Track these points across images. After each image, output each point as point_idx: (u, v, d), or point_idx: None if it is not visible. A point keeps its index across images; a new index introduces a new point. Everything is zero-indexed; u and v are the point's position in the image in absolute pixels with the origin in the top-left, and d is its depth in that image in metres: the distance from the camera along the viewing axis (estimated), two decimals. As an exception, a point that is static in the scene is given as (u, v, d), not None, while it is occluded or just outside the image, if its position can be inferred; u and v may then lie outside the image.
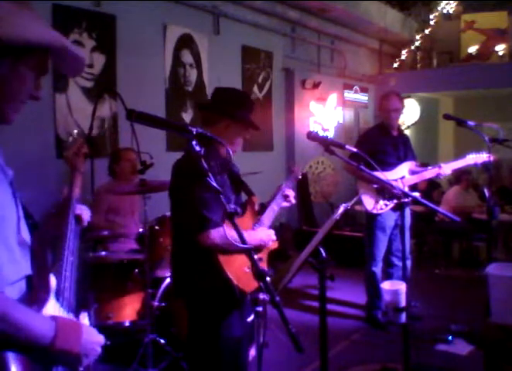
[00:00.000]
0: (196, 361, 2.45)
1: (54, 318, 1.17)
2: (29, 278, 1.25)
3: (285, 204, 2.67)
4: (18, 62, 1.15)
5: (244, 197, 2.59)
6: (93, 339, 1.22)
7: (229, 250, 2.15)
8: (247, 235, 2.29)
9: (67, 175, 4.58)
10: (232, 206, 2.40)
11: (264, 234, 2.44)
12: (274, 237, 2.50)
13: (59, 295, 1.33)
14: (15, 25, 1.11)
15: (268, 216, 2.58)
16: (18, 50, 1.13)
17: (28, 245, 1.27)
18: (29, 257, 1.26)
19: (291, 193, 2.67)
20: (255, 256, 2.38)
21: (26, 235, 1.26)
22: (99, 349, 1.23)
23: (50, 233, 1.57)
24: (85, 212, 1.69)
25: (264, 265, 2.49)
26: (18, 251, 1.21)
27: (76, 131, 1.84)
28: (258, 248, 2.42)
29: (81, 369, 1.18)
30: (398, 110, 4.42)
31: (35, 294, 1.24)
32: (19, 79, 1.17)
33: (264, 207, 2.62)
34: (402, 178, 4.29)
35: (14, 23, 1.11)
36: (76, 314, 1.38)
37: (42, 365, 1.15)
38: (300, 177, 2.87)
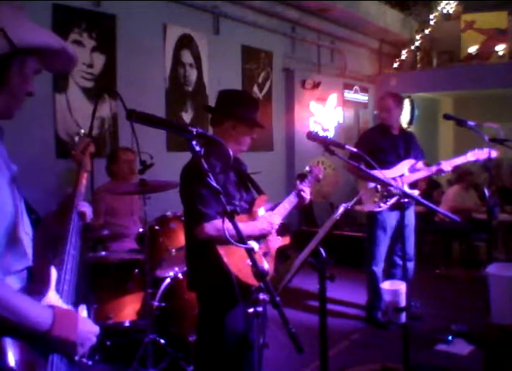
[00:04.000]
0: (202, 352, 2.49)
1: (52, 307, 1.23)
2: (30, 270, 1.32)
3: (304, 199, 2.69)
4: (23, 63, 1.27)
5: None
6: (89, 329, 1.28)
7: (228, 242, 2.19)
8: (246, 226, 2.36)
9: (67, 174, 4.58)
10: (241, 203, 2.47)
11: (264, 223, 2.48)
12: (278, 221, 2.53)
13: (59, 287, 1.38)
14: (24, 31, 1.24)
15: (278, 213, 2.61)
16: (24, 53, 1.25)
17: (30, 238, 1.34)
18: (31, 250, 1.33)
19: (306, 190, 2.70)
20: (261, 251, 2.44)
21: (28, 228, 1.34)
22: (94, 339, 1.29)
23: (53, 230, 1.61)
24: (88, 209, 1.70)
25: (271, 259, 2.51)
26: (21, 243, 1.28)
27: (83, 131, 1.87)
28: (262, 236, 2.48)
29: (76, 357, 1.24)
30: (389, 110, 4.36)
31: (35, 285, 1.31)
32: (24, 78, 1.29)
33: (277, 205, 2.66)
34: (401, 176, 4.29)
35: (23, 29, 1.24)
36: (75, 307, 1.42)
37: (39, 352, 1.21)
38: (321, 177, 2.87)
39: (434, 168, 4.26)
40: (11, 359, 1.16)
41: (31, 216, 1.37)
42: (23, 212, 1.33)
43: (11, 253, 1.24)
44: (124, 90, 4.02)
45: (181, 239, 3.55)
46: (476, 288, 4.13)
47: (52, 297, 1.32)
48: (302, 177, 2.83)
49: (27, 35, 1.24)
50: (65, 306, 1.34)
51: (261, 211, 2.53)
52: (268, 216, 2.53)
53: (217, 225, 2.20)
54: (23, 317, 1.15)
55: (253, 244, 2.43)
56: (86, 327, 1.27)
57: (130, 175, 4.10)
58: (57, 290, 1.36)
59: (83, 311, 1.41)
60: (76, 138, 1.83)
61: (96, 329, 1.31)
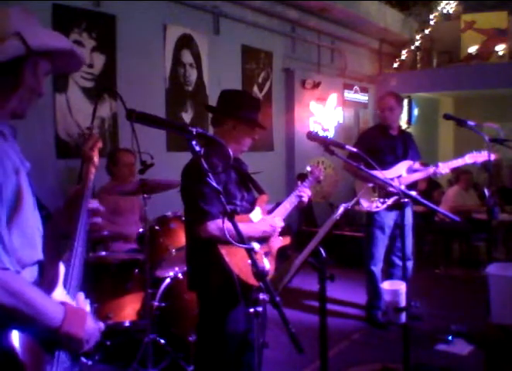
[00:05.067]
0: (203, 352, 2.49)
1: (63, 303, 1.28)
2: (40, 264, 1.36)
3: (303, 201, 2.69)
4: (36, 65, 1.33)
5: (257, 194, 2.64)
6: (94, 326, 1.34)
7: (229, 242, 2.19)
8: (248, 227, 2.35)
9: (67, 174, 4.56)
10: (243, 203, 2.47)
11: (266, 225, 2.47)
12: (281, 224, 2.51)
13: (66, 283, 1.40)
14: (38, 34, 1.30)
15: (279, 213, 2.61)
16: (37, 55, 1.31)
17: (41, 233, 1.38)
18: (42, 245, 1.38)
19: (306, 192, 2.69)
20: (263, 250, 2.43)
21: (39, 223, 1.39)
22: (98, 335, 1.35)
23: (60, 226, 1.63)
24: (97, 204, 1.70)
25: (272, 259, 2.51)
26: (33, 237, 1.33)
27: (90, 127, 1.88)
28: (264, 238, 2.46)
29: (80, 353, 1.29)
30: (391, 110, 4.37)
31: (45, 280, 1.36)
32: (37, 80, 1.35)
33: (278, 205, 2.66)
34: (399, 177, 4.29)
35: (37, 32, 1.30)
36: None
37: (46, 346, 1.23)
38: (322, 178, 2.87)
39: (431, 170, 4.27)
40: (16, 340, 1.17)
41: (41, 212, 1.41)
42: (35, 207, 1.37)
43: (24, 246, 1.28)
44: (124, 90, 4.02)
45: (181, 239, 3.56)
46: (476, 288, 4.13)
47: (60, 292, 1.36)
48: (303, 177, 2.82)
49: (41, 38, 1.30)
50: (72, 301, 1.37)
51: (255, 212, 2.51)
52: (271, 219, 2.52)
53: (220, 224, 2.20)
54: (37, 311, 1.18)
55: (254, 245, 2.44)
56: (92, 324, 1.33)
57: (129, 178, 4.11)
58: (64, 285, 1.39)
59: (86, 306, 1.44)
60: (87, 134, 1.85)
61: (100, 326, 1.37)
